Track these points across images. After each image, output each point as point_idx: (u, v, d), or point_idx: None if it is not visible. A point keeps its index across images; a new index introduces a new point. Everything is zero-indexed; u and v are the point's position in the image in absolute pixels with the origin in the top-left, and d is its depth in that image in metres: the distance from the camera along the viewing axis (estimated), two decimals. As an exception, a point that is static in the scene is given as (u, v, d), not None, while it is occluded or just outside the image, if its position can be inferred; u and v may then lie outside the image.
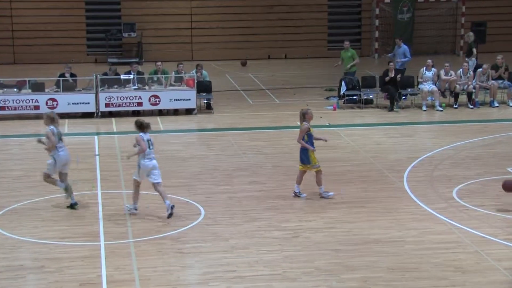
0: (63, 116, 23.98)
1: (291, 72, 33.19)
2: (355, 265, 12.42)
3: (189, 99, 24.52)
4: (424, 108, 24.89)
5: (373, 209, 15.24)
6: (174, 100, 24.50)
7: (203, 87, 25.14)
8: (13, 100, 23.65)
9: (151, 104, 24.37)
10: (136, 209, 14.89)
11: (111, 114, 24.35)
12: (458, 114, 24.59)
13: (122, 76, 24.94)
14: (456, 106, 25.29)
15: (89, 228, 14.20)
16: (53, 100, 23.79)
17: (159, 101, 24.38)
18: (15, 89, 24.04)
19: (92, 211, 15.21)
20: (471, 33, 29.08)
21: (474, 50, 28.07)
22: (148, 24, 35.83)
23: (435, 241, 13.49)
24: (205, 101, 25.44)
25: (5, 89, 23.98)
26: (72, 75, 24.84)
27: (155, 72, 25.24)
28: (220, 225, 14.42)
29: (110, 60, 34.32)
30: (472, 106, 25.31)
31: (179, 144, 21.01)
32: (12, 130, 22.63)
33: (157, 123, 23.52)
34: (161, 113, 24.76)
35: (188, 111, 24.75)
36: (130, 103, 24.24)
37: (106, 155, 19.68)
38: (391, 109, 24.88)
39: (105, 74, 25.06)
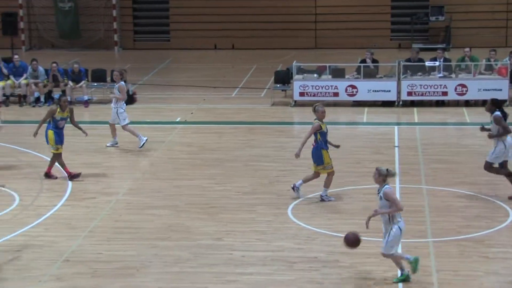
0: (362, 104, 24.40)
1: None
2: None
3: (500, 90, 23.75)
4: None
5: None
6: (483, 90, 23.86)
7: (517, 77, 24.23)
8: (312, 86, 24.45)
9: (457, 94, 23.98)
10: None
11: (413, 104, 24.32)
12: None
13: (427, 63, 24.79)
14: None
15: (385, 224, 14.31)
16: (353, 87, 24.25)
17: (466, 90, 23.91)
18: (315, 75, 24.84)
19: (390, 206, 15.30)
20: None
21: None
22: (458, 6, 35.22)
23: None
24: (518, 93, 24.52)
25: (305, 75, 24.87)
26: (373, 61, 25.14)
27: (463, 59, 24.78)
28: (531, 230, 13.87)
29: (414, 45, 34.15)
30: None
31: (486, 138, 20.44)
32: (310, 117, 23.37)
33: (463, 114, 23.10)
34: (468, 103, 24.27)
35: (498, 103, 24.00)
36: (434, 92, 24.03)
37: (406, 147, 19.69)
38: None
39: (408, 60, 25.06)
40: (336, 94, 24.35)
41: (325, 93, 24.38)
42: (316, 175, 15.76)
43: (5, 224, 14.58)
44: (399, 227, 11.61)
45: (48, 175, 17.34)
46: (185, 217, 14.96)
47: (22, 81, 25.28)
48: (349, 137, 21.02)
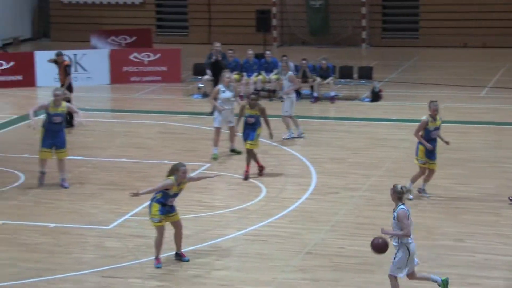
0: None
1: None
2: None
3: None
4: None
5: None
6: None
7: None
8: None
9: None
10: None
11: None
12: None
13: None
14: None
15: None
16: None
17: None
18: None
19: None
20: None
21: None
22: None
23: None
24: None
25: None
26: None
27: None
28: None
29: None
30: None
31: None
32: None
33: None
34: None
35: None
36: None
37: None
38: None
39: None
40: None
41: None
42: (424, 169, 15.78)
43: (252, 214, 15.25)
44: (408, 249, 11.00)
45: (260, 168, 17.66)
46: (426, 216, 14.90)
47: (273, 76, 26.17)
48: None
